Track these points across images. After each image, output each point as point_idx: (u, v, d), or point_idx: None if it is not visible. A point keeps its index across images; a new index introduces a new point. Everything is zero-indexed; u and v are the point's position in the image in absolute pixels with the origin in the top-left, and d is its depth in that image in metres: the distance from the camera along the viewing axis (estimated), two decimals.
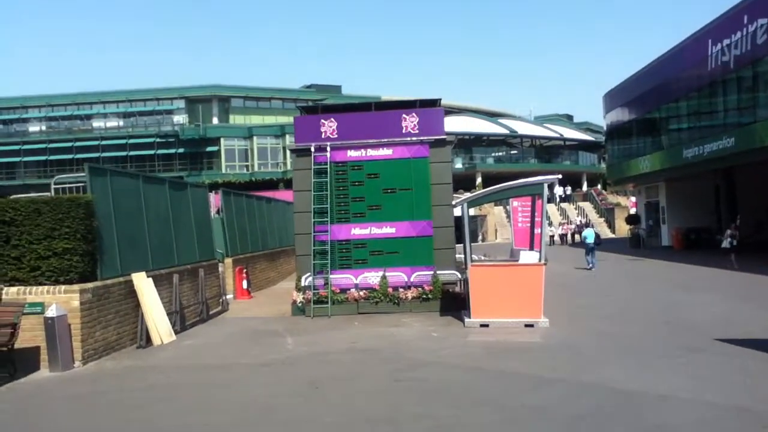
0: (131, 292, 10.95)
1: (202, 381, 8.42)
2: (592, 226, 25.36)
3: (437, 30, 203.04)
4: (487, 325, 11.61)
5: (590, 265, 23.15)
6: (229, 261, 17.52)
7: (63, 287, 9.42)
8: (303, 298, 14.06)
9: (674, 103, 30.90)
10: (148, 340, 10.98)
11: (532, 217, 13.69)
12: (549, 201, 14.21)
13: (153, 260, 12.08)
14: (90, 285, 9.74)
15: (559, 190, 58.15)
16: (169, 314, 11.99)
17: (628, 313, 12.92)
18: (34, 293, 9.37)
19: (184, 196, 14.41)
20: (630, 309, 13.45)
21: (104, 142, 57.57)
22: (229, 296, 17.04)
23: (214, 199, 19.70)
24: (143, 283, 11.13)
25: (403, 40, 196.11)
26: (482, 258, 16.58)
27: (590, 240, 23.69)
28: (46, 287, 9.44)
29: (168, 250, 12.95)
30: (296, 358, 9.50)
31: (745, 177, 28.42)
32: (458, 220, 15.09)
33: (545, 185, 11.51)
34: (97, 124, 61.06)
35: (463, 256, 13.94)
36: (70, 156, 55.36)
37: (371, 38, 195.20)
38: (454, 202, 13.37)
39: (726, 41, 25.28)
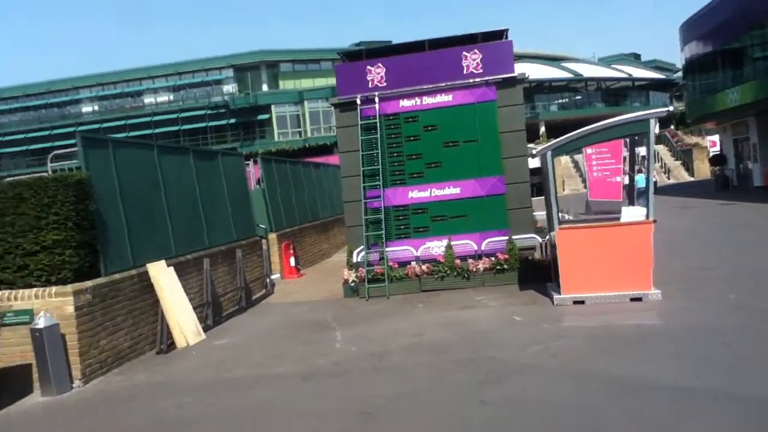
0: (148, 286, 9.10)
1: (221, 409, 6.46)
2: (642, 172, 26.23)
3: None
4: (582, 302, 9.30)
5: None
6: (273, 237, 15.59)
7: (54, 289, 7.59)
8: (356, 276, 12.00)
9: None
10: (171, 343, 9.16)
11: (633, 162, 11.08)
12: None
13: (176, 245, 10.22)
14: (89, 284, 7.88)
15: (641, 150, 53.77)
16: (198, 306, 10.17)
17: (756, 275, 10.22)
18: (20, 298, 7.57)
19: (215, 166, 12.48)
20: (755, 270, 10.68)
21: (156, 118, 56.71)
22: (276, 276, 15.19)
23: (254, 169, 17.79)
24: (162, 274, 9.27)
25: None
26: (564, 216, 14.10)
27: (641, 184, 23.80)
28: (34, 290, 7.64)
29: (195, 231, 11.08)
30: (346, 364, 7.44)
31: None
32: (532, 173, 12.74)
33: (652, 121, 8.96)
34: (148, 100, 60.23)
35: (545, 215, 11.60)
36: (123, 134, 54.57)
37: None
38: (534, 152, 10.95)
39: None
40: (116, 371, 8.14)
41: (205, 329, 9.98)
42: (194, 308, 9.80)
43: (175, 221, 10.33)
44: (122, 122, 56.47)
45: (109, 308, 8.21)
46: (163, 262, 9.47)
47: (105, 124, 56.18)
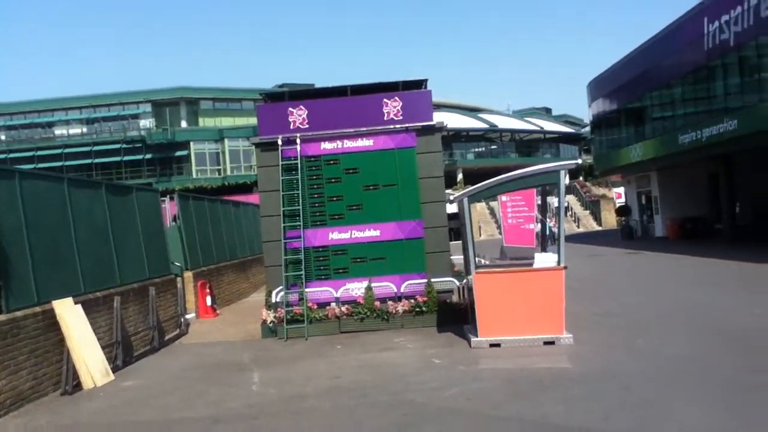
0: (53, 324, 8.66)
1: None
2: (547, 222, 27.01)
3: (410, 23, 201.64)
4: (498, 345, 9.52)
5: None
6: (189, 275, 15.21)
7: None
8: (274, 316, 11.85)
9: (667, 88, 29.14)
10: (77, 384, 8.71)
11: (544, 210, 11.60)
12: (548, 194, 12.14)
13: (85, 282, 9.79)
14: None
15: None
16: (108, 346, 9.75)
17: (661, 320, 10.80)
18: None
19: (129, 202, 12.13)
20: (660, 315, 11.30)
21: (67, 150, 54.80)
22: (191, 315, 14.76)
23: (170, 206, 17.40)
24: (69, 312, 8.85)
25: (375, 34, 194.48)
26: (480, 260, 14.49)
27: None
28: None
29: (106, 268, 10.67)
30: (262, 407, 7.29)
31: (743, 164, 26.77)
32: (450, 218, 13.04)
33: (562, 172, 9.45)
34: (59, 131, 58.22)
35: (461, 259, 11.88)
36: (31, 165, 52.26)
37: (342, 32, 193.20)
38: (451, 197, 11.27)
39: (725, 17, 23.50)
40: (15, 414, 7.65)
41: (114, 370, 9.56)
42: (103, 348, 9.39)
43: (84, 257, 9.93)
44: (31, 153, 54.15)
45: (10, 347, 7.75)
46: (70, 299, 9.06)
47: (12, 155, 53.62)
